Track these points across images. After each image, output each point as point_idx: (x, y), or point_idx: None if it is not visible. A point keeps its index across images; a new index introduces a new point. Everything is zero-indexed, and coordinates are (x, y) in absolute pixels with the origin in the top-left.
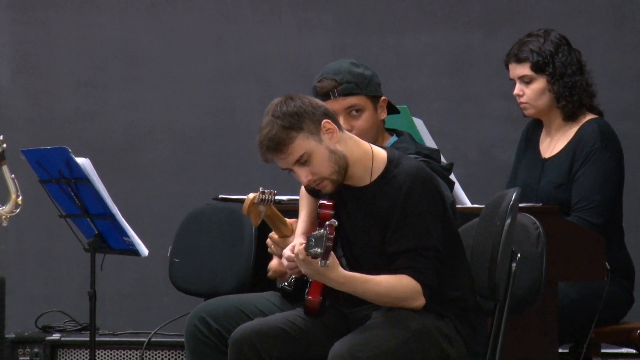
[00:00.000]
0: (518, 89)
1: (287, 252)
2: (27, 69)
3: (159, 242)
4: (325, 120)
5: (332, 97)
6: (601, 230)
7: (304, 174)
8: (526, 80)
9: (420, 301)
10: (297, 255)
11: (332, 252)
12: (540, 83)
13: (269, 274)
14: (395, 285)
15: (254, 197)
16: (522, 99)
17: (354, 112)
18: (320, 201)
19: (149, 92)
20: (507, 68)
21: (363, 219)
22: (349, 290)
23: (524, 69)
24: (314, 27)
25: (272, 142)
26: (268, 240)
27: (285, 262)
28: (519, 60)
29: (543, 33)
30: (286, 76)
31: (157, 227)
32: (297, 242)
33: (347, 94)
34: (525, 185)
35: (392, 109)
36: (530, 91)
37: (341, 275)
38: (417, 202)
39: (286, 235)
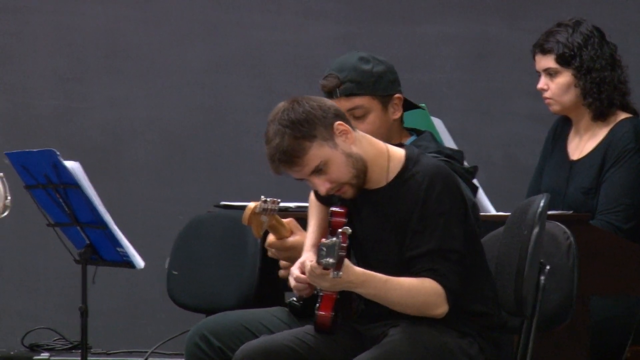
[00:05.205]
0: (542, 82)
1: (295, 271)
2: (2, 62)
3: (155, 253)
4: (338, 122)
5: (334, 97)
6: (628, 236)
7: (321, 183)
8: (551, 73)
9: (443, 308)
10: (309, 272)
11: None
12: (565, 77)
13: (281, 272)
14: (417, 288)
15: (255, 207)
16: (547, 94)
17: (357, 115)
18: (332, 208)
19: (135, 87)
20: (534, 59)
21: (379, 225)
22: (370, 292)
23: (549, 61)
24: (318, 14)
25: (285, 156)
26: (266, 245)
27: (292, 282)
28: (544, 51)
29: (573, 23)
30: (286, 70)
31: (151, 237)
32: (306, 257)
33: (348, 94)
34: (551, 190)
35: (410, 106)
36: (555, 86)
37: (360, 274)
38: (437, 201)
39: (284, 236)
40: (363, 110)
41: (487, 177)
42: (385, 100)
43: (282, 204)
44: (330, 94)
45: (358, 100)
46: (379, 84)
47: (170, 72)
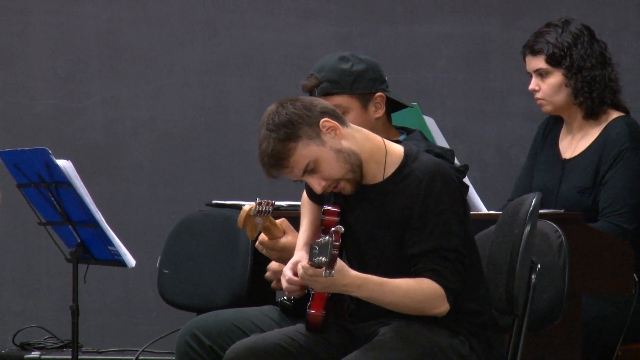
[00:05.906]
0: (534, 83)
1: (287, 272)
2: (1, 61)
3: (147, 252)
4: (324, 119)
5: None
6: (634, 236)
7: (315, 182)
8: (542, 74)
9: (444, 307)
10: (301, 273)
11: (338, 260)
12: (556, 77)
13: (267, 274)
14: (415, 289)
15: (250, 209)
16: (538, 95)
17: None
18: (325, 207)
19: (133, 87)
20: (525, 60)
21: (376, 221)
22: (366, 295)
23: (539, 62)
24: (317, 14)
25: (272, 159)
26: (257, 245)
27: (284, 283)
28: (534, 52)
29: (562, 23)
30: (285, 69)
31: (145, 236)
32: (299, 256)
33: (326, 93)
34: (543, 189)
35: (395, 105)
36: (546, 86)
37: (355, 277)
38: (438, 198)
39: (277, 236)
40: (341, 109)
41: (481, 176)
42: (365, 99)
43: (275, 203)
44: (310, 93)
45: (336, 100)
46: (357, 83)
47: (168, 72)
